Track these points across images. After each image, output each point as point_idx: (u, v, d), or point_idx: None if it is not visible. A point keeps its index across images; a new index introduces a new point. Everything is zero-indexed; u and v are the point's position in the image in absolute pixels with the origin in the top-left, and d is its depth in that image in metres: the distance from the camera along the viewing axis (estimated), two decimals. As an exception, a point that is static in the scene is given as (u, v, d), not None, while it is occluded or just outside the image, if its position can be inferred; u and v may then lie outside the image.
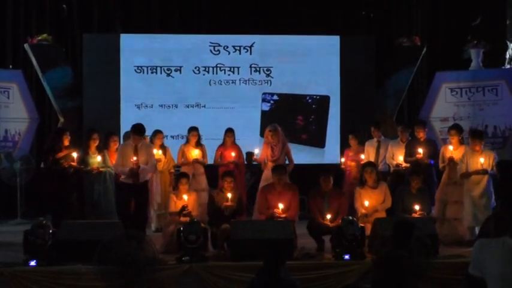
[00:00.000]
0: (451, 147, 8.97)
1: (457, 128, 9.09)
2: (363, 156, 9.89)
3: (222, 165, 9.77)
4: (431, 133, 10.36)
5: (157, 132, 9.75)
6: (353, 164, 9.93)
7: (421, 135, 9.38)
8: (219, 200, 8.21)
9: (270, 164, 9.37)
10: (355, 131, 10.30)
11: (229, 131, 10.06)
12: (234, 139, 10.08)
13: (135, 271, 6.83)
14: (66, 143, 8.98)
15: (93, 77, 11.51)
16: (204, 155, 9.83)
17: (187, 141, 9.85)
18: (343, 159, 10.20)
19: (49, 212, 9.24)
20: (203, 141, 9.95)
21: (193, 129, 9.80)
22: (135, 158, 8.39)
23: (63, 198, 8.82)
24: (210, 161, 10.07)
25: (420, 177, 8.46)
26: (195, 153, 9.70)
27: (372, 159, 9.78)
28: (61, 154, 8.86)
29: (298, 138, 11.82)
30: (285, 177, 8.63)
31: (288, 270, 5.71)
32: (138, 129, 8.58)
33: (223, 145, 10.05)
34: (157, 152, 9.44)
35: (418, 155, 9.11)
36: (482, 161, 8.39)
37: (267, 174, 9.35)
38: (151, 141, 9.65)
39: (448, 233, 8.62)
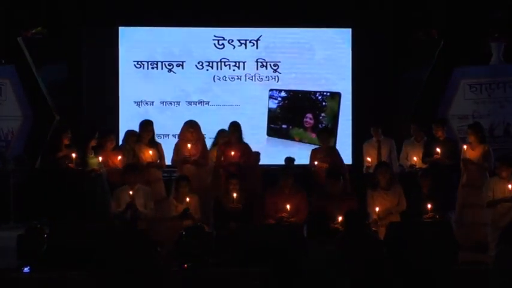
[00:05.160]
0: (464, 147, 8.95)
1: (473, 127, 9.07)
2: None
3: (222, 168, 9.03)
4: (449, 132, 10.35)
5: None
6: (324, 165, 9.14)
7: (440, 134, 9.34)
8: (224, 202, 8.22)
9: (188, 166, 8.90)
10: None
11: (232, 126, 9.23)
12: (240, 135, 9.20)
13: (138, 278, 6.84)
14: (67, 141, 8.98)
15: (90, 72, 11.60)
16: (160, 156, 8.94)
17: (140, 139, 8.98)
18: (316, 162, 9.25)
19: (47, 215, 9.20)
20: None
21: (147, 124, 8.98)
22: (131, 193, 8.04)
23: (62, 200, 8.80)
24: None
25: (430, 179, 8.41)
26: (149, 154, 8.80)
27: (374, 160, 9.68)
28: (61, 154, 8.86)
29: (308, 137, 11.82)
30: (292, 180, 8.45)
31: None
32: (131, 168, 8.37)
33: (226, 143, 9.27)
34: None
35: (436, 156, 9.06)
36: (511, 187, 8.13)
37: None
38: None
39: (467, 237, 8.56)
